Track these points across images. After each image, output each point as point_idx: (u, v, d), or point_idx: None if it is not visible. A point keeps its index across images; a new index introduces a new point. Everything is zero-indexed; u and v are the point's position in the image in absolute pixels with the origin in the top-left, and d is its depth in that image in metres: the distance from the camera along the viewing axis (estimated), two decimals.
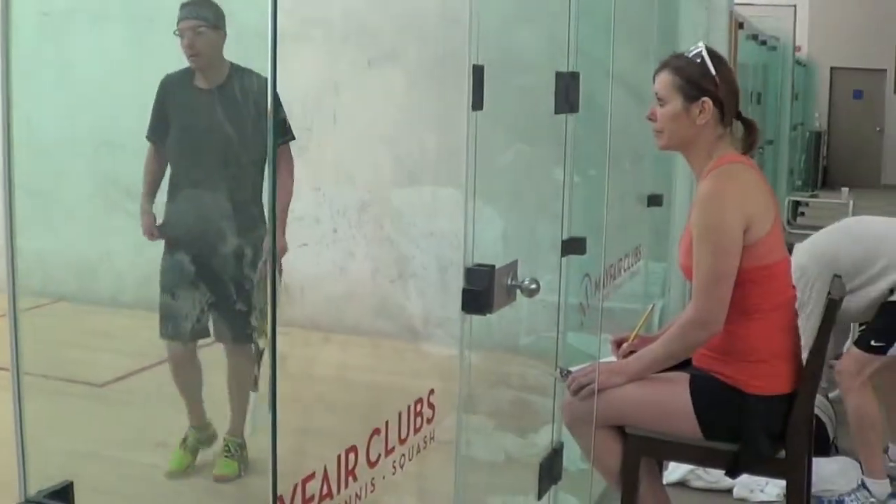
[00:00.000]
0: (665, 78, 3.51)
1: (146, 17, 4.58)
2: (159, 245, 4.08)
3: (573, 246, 3.72)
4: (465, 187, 2.78)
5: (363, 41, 3.20)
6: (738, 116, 3.56)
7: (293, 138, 3.78)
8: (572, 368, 3.65)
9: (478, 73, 2.73)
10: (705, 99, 3.44)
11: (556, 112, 3.56)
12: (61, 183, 4.01)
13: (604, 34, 3.90)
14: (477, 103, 2.73)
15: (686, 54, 3.52)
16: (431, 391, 3.04)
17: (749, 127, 3.60)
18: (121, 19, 4.47)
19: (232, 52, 4.11)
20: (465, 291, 2.79)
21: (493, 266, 2.81)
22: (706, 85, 3.45)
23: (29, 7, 1.89)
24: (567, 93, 3.55)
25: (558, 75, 3.54)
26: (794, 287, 3.59)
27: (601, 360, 3.69)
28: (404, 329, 3.68)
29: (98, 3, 4.31)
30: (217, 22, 4.06)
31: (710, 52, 3.50)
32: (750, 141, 3.59)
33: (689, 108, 3.46)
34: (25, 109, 1.87)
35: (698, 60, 3.47)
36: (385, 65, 3.70)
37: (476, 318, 2.83)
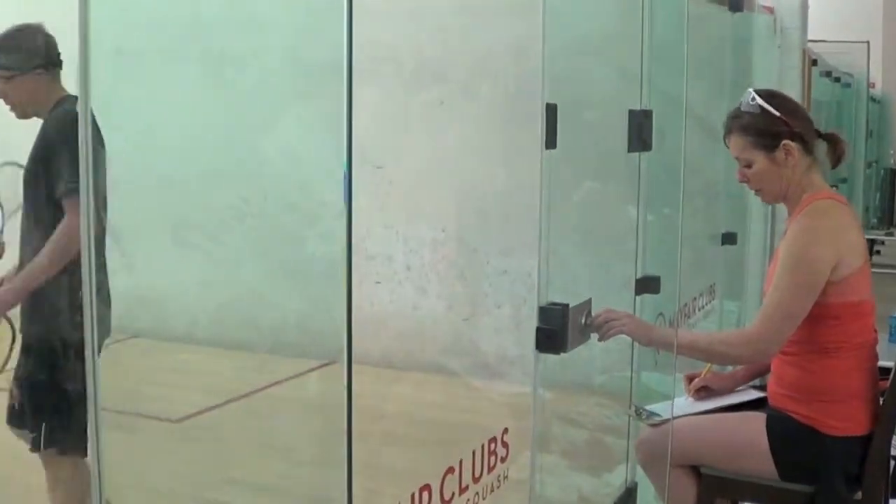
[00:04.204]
0: (737, 142, 3.43)
1: (217, 56, 4.63)
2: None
3: (647, 285, 3.70)
4: (539, 225, 2.77)
5: (436, 79, 3.20)
6: (819, 135, 3.50)
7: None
8: (647, 407, 3.62)
9: (551, 111, 2.73)
10: (785, 141, 3.37)
11: (630, 150, 3.54)
12: (132, 219, 4.05)
13: (676, 71, 3.88)
14: (550, 142, 2.73)
15: (741, 108, 3.46)
16: (505, 430, 3.02)
17: (832, 141, 3.54)
18: (192, 58, 4.52)
19: (297, 86, 4.10)
20: (538, 330, 2.78)
21: (566, 305, 2.79)
22: (778, 128, 3.38)
23: (103, 45, 1.91)
24: (640, 131, 3.53)
25: (631, 113, 3.52)
26: (876, 331, 3.51)
27: (675, 400, 3.67)
28: (478, 367, 3.67)
29: (170, 41, 4.36)
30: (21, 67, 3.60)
31: (762, 94, 3.43)
32: (837, 155, 3.54)
33: (773, 157, 3.39)
34: None
35: (756, 110, 3.40)
36: (458, 103, 3.70)
37: (549, 356, 2.82)
